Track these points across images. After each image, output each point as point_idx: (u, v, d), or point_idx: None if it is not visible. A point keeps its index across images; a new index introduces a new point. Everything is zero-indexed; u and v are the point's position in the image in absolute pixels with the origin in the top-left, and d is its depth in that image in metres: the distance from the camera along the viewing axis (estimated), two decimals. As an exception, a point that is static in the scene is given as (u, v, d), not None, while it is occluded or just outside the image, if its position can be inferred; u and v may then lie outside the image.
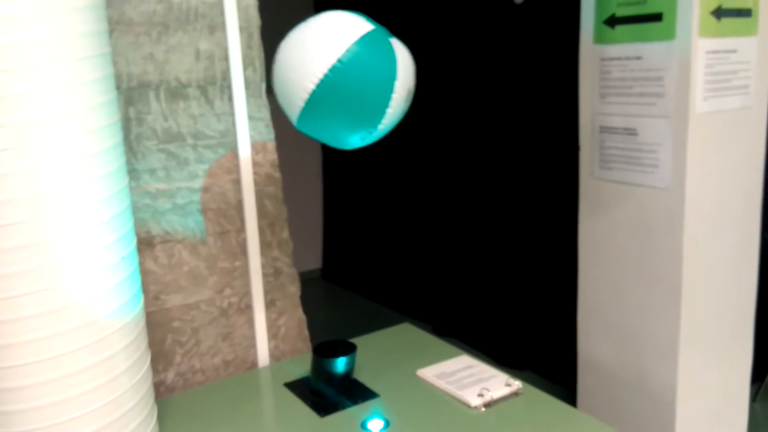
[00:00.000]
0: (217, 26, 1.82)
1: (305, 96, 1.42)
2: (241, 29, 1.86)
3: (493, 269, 3.89)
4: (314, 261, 5.49)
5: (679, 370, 2.45)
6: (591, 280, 2.72)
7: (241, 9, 1.85)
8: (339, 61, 1.38)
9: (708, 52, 2.28)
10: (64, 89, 1.20)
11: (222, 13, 1.82)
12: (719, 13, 2.28)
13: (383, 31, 1.48)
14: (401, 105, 1.49)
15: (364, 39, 1.41)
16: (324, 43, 1.40)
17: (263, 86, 1.93)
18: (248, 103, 1.90)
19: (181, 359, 1.90)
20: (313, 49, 1.40)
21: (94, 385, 1.31)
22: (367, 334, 2.12)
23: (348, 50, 1.39)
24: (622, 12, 2.42)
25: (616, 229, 2.58)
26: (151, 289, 1.83)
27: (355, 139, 1.52)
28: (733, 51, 2.37)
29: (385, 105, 1.45)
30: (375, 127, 1.48)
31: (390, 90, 1.44)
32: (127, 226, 1.40)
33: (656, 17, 2.32)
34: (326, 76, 1.39)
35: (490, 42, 3.68)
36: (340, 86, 1.41)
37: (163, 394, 1.88)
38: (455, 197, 4.08)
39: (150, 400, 1.50)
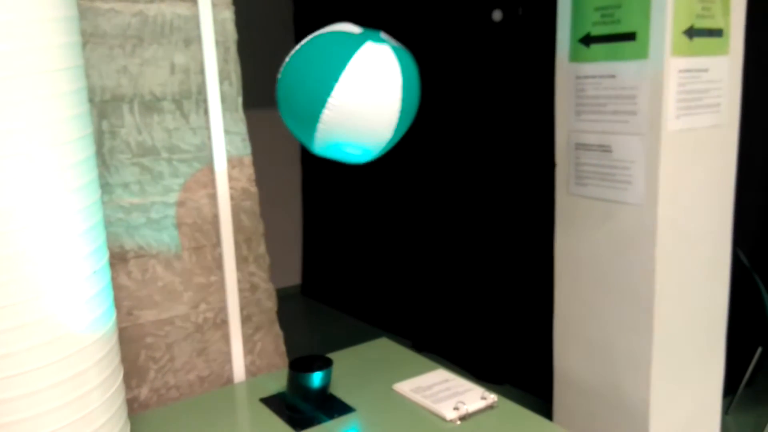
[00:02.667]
0: (192, 39, 1.82)
1: (389, 135, 1.46)
2: (218, 43, 1.86)
3: (471, 285, 3.90)
4: (294, 277, 5.46)
5: (652, 384, 2.47)
6: (566, 295, 2.74)
7: (218, 23, 1.85)
8: (402, 94, 1.41)
9: (680, 71, 2.32)
10: (36, 101, 1.19)
11: (198, 27, 1.82)
12: (691, 32, 2.33)
13: (380, 37, 1.47)
14: None
15: (401, 64, 1.42)
16: (383, 90, 1.40)
17: (239, 100, 1.93)
18: (224, 117, 1.90)
19: (155, 375, 1.88)
20: (379, 100, 1.41)
21: (64, 401, 1.29)
22: (345, 348, 2.11)
23: (402, 83, 1.42)
24: (596, 31, 2.45)
25: (591, 245, 2.60)
26: (125, 304, 1.81)
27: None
28: (705, 70, 2.41)
29: (419, 90, 1.55)
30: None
31: (418, 78, 1.53)
32: (100, 240, 1.39)
33: (630, 36, 2.35)
34: (400, 112, 1.44)
35: (468, 59, 3.71)
36: (408, 109, 1.45)
37: (136, 410, 1.86)
38: (434, 213, 4.10)
39: (122, 416, 1.48)
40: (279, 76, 1.51)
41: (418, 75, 1.52)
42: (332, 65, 1.39)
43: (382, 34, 1.47)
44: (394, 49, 1.45)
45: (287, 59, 1.50)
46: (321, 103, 1.38)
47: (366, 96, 1.39)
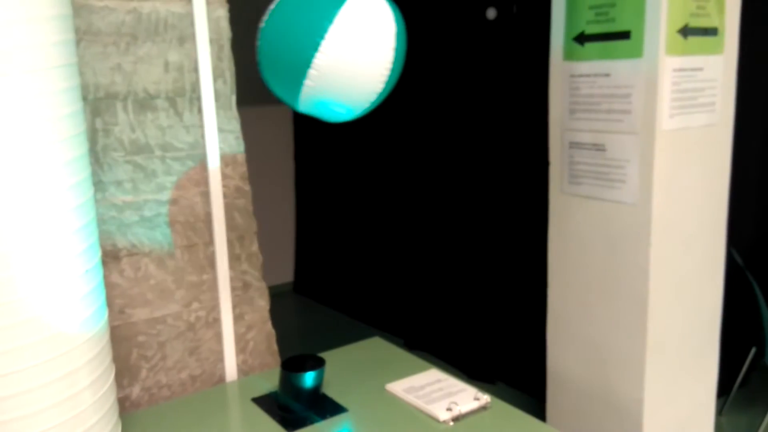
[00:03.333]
0: (187, 37, 1.81)
1: (381, 87, 1.37)
2: (212, 41, 1.85)
3: (464, 283, 3.90)
4: (286, 274, 5.46)
5: (646, 384, 2.47)
6: (560, 294, 2.74)
7: (212, 21, 1.84)
8: (396, 43, 1.33)
9: (675, 70, 2.32)
10: (29, 99, 1.18)
11: (192, 25, 1.81)
12: (686, 31, 2.33)
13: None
14: None
15: (393, 12, 1.36)
16: (379, 34, 1.32)
17: (233, 98, 1.92)
18: (218, 115, 1.89)
19: (147, 374, 1.87)
20: (375, 44, 1.32)
21: (55, 400, 1.28)
22: (338, 347, 2.11)
23: (396, 30, 1.34)
24: (591, 30, 2.45)
25: (584, 244, 2.60)
26: (117, 302, 1.80)
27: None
28: (700, 69, 2.41)
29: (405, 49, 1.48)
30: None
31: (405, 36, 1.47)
32: (92, 238, 1.38)
33: (624, 35, 2.35)
34: (393, 62, 1.35)
35: (462, 56, 3.71)
36: (399, 61, 1.36)
37: (128, 409, 1.85)
38: (427, 211, 4.09)
39: (114, 415, 1.47)
40: (261, 25, 1.39)
41: (404, 30, 1.44)
42: (324, 9, 1.29)
43: None
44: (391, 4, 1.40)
45: (271, 6, 1.39)
46: (313, 46, 1.28)
47: (360, 43, 1.29)
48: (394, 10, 1.39)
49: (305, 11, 1.30)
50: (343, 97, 1.35)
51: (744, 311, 3.18)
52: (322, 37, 1.27)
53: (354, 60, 1.29)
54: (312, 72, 1.30)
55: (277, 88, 1.41)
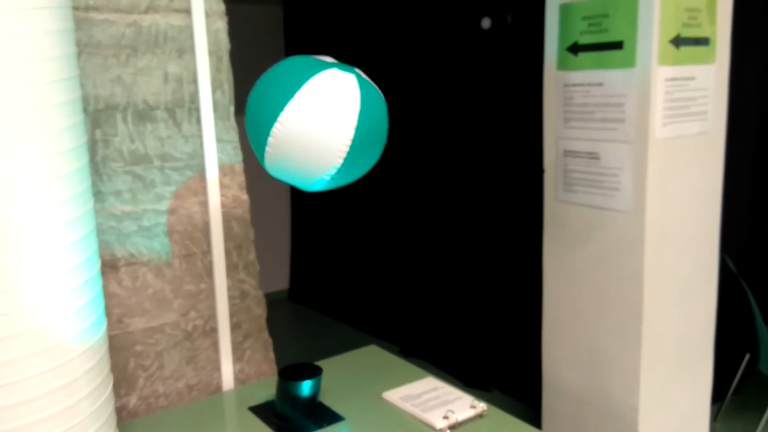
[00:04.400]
0: (186, 49, 1.83)
1: (339, 163, 1.41)
2: (210, 53, 1.87)
3: (459, 291, 3.91)
4: (281, 282, 5.46)
5: (641, 391, 2.49)
6: (555, 301, 2.76)
7: (211, 33, 1.86)
8: (358, 124, 1.38)
9: (667, 80, 2.35)
10: (31, 112, 1.19)
11: (191, 37, 1.83)
12: (678, 41, 2.35)
13: (354, 70, 1.45)
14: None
15: (362, 93, 1.40)
16: (337, 114, 1.37)
17: (231, 109, 1.94)
18: (216, 125, 1.90)
19: (144, 383, 1.88)
20: (330, 125, 1.37)
21: (55, 410, 1.29)
22: (334, 355, 2.12)
23: (360, 112, 1.38)
24: (584, 40, 2.48)
25: (579, 251, 2.62)
26: (115, 312, 1.81)
27: (370, 167, 1.56)
28: (692, 78, 2.44)
29: (386, 129, 1.49)
30: (381, 150, 1.53)
31: (386, 117, 1.48)
32: (92, 249, 1.39)
33: (617, 45, 2.38)
34: (353, 141, 1.39)
35: (457, 66, 3.73)
36: (365, 141, 1.41)
37: (125, 419, 1.86)
38: (422, 219, 4.11)
39: (111, 425, 1.48)
40: (251, 91, 1.51)
41: (385, 116, 1.49)
42: (292, 82, 1.38)
43: (357, 70, 1.47)
44: (361, 81, 1.43)
45: (263, 75, 1.50)
46: (274, 117, 1.38)
47: (317, 117, 1.36)
48: (365, 90, 1.41)
49: (277, 83, 1.41)
50: (298, 167, 1.43)
51: (738, 318, 3.20)
52: (281, 108, 1.37)
53: (308, 133, 1.37)
54: (271, 140, 1.40)
55: (254, 147, 1.51)
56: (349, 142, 1.38)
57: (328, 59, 1.49)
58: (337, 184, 1.51)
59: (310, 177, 1.44)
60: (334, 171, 1.42)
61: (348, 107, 1.38)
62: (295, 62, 1.44)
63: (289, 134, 1.38)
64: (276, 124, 1.38)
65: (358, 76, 1.44)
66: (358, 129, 1.38)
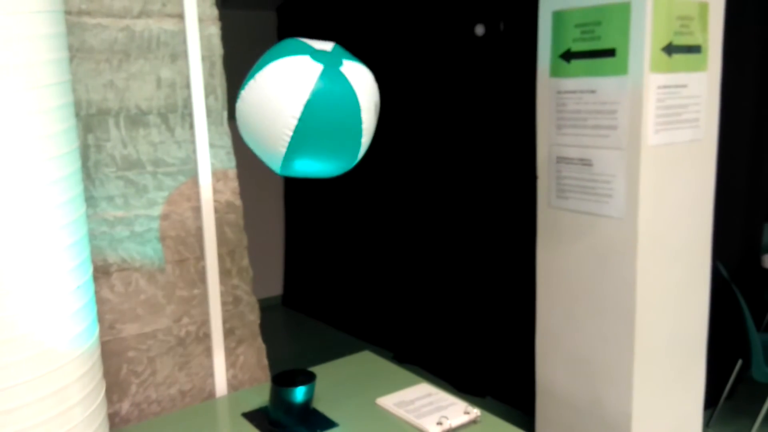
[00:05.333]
0: (179, 54, 1.82)
1: (283, 148, 1.45)
2: (204, 58, 1.86)
3: (453, 297, 3.91)
4: (275, 287, 5.45)
5: (634, 397, 2.49)
6: (548, 308, 2.76)
7: (204, 38, 1.86)
8: (300, 120, 1.41)
9: (659, 87, 2.36)
10: (23, 117, 1.19)
11: (184, 42, 1.83)
12: (670, 49, 2.37)
13: (332, 62, 1.46)
14: (373, 127, 1.51)
15: (319, 85, 1.42)
16: (281, 103, 1.42)
17: (225, 114, 1.93)
18: (209, 130, 1.90)
19: (137, 389, 1.87)
20: (273, 111, 1.42)
21: (47, 416, 1.28)
22: (327, 361, 2.11)
23: (305, 106, 1.41)
24: (577, 47, 2.49)
25: (572, 258, 2.62)
26: (107, 318, 1.80)
27: (341, 169, 1.55)
28: (684, 86, 2.45)
29: (359, 137, 1.47)
30: (355, 156, 1.51)
31: (359, 123, 1.46)
32: (84, 254, 1.38)
33: (610, 53, 2.39)
34: (293, 137, 1.42)
35: (450, 73, 3.74)
36: (313, 133, 1.43)
37: (117, 425, 1.85)
38: (415, 225, 4.11)
39: (104, 431, 1.47)
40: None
41: (354, 114, 1.48)
42: (266, 59, 1.47)
43: (344, 64, 1.48)
44: (332, 75, 1.44)
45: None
46: (246, 82, 1.48)
47: (268, 98, 1.43)
48: (333, 82, 1.44)
49: (264, 57, 1.51)
50: (256, 135, 1.49)
51: (730, 324, 3.21)
52: (252, 77, 1.47)
53: (263, 103, 1.45)
54: (239, 103, 1.50)
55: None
56: (290, 130, 1.42)
57: (322, 44, 1.50)
58: (303, 170, 1.51)
59: (267, 148, 1.48)
60: (285, 143, 1.43)
61: (298, 93, 1.41)
62: (287, 44, 1.50)
63: (245, 109, 1.48)
64: (246, 88, 1.48)
65: (331, 71, 1.44)
66: (303, 119, 1.41)
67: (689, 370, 2.70)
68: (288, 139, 1.43)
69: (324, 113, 1.42)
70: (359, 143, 1.49)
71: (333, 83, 1.43)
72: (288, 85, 1.42)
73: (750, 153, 3.43)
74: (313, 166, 1.51)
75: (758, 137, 3.45)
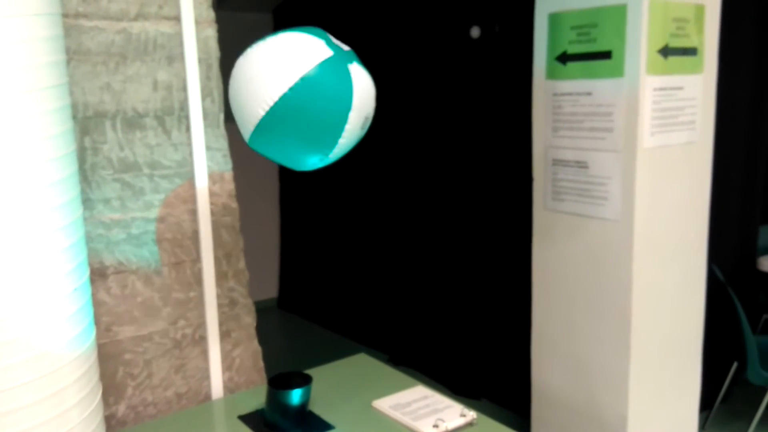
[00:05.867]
0: (175, 57, 1.82)
1: (257, 118, 1.43)
2: (200, 60, 1.86)
3: (448, 299, 3.92)
4: (271, 290, 5.44)
5: (629, 399, 2.49)
6: (544, 310, 2.76)
7: (201, 40, 1.86)
8: (291, 89, 1.39)
9: (655, 89, 2.36)
10: (21, 119, 1.19)
11: (181, 44, 1.83)
12: (666, 51, 2.37)
13: (344, 57, 1.45)
14: (356, 133, 1.49)
15: (321, 67, 1.40)
16: (280, 67, 1.40)
17: (221, 117, 1.93)
18: (206, 133, 1.90)
19: (133, 392, 1.87)
20: (268, 73, 1.41)
21: (44, 418, 1.28)
22: (323, 364, 2.11)
23: (301, 79, 1.39)
24: (573, 49, 2.49)
25: (568, 260, 2.63)
26: (103, 320, 1.80)
27: (310, 163, 1.52)
28: (680, 88, 2.46)
29: (338, 135, 1.45)
30: (327, 154, 1.48)
31: (343, 121, 1.44)
32: (81, 257, 1.38)
33: (606, 55, 2.40)
34: (276, 104, 1.39)
35: (446, 75, 3.75)
36: (295, 111, 1.41)
37: (114, 427, 1.84)
38: (411, 227, 4.11)
39: (100, 434, 1.47)
40: None
41: (341, 113, 1.46)
42: (284, 30, 1.46)
43: (354, 65, 1.46)
44: (338, 65, 1.43)
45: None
46: (250, 47, 1.50)
47: (269, 60, 1.42)
48: (321, 76, 1.42)
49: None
50: (235, 104, 1.48)
51: (725, 326, 3.22)
52: (251, 46, 1.47)
53: (250, 71, 1.44)
54: (233, 71, 1.50)
55: None
56: (263, 110, 1.40)
57: (343, 45, 1.50)
58: (271, 148, 1.49)
59: (246, 111, 1.45)
60: (264, 109, 1.41)
61: (304, 62, 1.40)
62: (310, 28, 1.50)
63: (235, 80, 1.48)
64: (253, 46, 1.48)
65: (337, 60, 1.43)
66: (281, 102, 1.39)
67: (685, 372, 2.71)
68: (263, 112, 1.41)
69: (315, 95, 1.40)
70: (336, 141, 1.46)
71: (335, 72, 1.42)
72: (291, 57, 1.40)
73: (745, 155, 3.44)
74: (281, 147, 1.48)
75: (753, 139, 3.46)
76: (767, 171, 3.68)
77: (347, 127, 1.45)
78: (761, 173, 3.55)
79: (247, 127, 1.47)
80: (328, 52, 1.42)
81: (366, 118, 1.50)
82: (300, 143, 1.46)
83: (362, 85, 1.47)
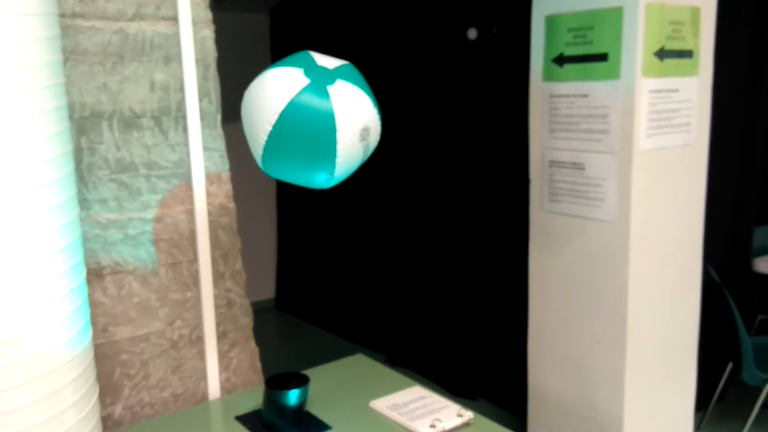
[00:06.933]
0: (172, 57, 1.82)
1: (260, 149, 1.52)
2: (197, 61, 1.86)
3: (445, 300, 3.92)
4: (268, 291, 5.44)
5: (625, 399, 2.50)
6: (540, 311, 2.77)
7: (198, 41, 1.86)
8: (276, 124, 1.48)
9: (651, 91, 2.37)
10: (18, 119, 1.19)
11: (178, 45, 1.83)
12: (662, 54, 2.38)
13: (322, 80, 1.51)
14: (354, 148, 1.53)
15: (298, 97, 1.47)
16: (264, 103, 1.49)
17: (218, 117, 1.93)
18: (203, 133, 1.90)
19: (130, 393, 1.87)
20: (259, 108, 1.50)
21: (40, 419, 1.28)
22: (320, 364, 2.11)
23: (280, 115, 1.47)
24: (569, 51, 2.50)
25: (564, 261, 2.63)
26: (100, 321, 1.80)
27: (320, 182, 1.58)
28: (675, 90, 2.47)
29: (333, 155, 1.51)
30: (332, 173, 1.55)
31: (332, 142, 1.49)
32: (77, 257, 1.38)
33: (602, 57, 2.40)
34: (270, 134, 1.48)
35: (443, 76, 3.75)
36: (287, 139, 1.49)
37: (110, 428, 1.84)
38: (408, 228, 4.12)
39: (97, 434, 1.47)
40: None
41: (326, 137, 1.52)
42: (275, 64, 1.56)
43: (337, 84, 1.52)
44: (316, 91, 1.49)
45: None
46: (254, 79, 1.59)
47: (257, 100, 1.51)
48: (309, 103, 1.49)
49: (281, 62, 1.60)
50: (248, 140, 1.57)
51: (721, 327, 3.23)
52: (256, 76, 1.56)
53: (247, 111, 1.55)
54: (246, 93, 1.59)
55: None
56: (265, 134, 1.49)
57: (334, 62, 1.56)
58: (280, 174, 1.58)
59: (252, 146, 1.56)
60: (261, 145, 1.51)
61: (282, 97, 1.48)
62: (298, 56, 1.58)
63: (247, 98, 1.57)
64: (250, 85, 1.57)
65: (315, 86, 1.49)
66: (277, 126, 1.48)
67: (680, 372, 2.71)
68: (263, 143, 1.50)
69: (297, 125, 1.48)
70: (333, 162, 1.52)
71: (313, 98, 1.48)
72: (273, 92, 1.49)
73: (740, 157, 3.45)
74: (288, 173, 1.57)
75: (748, 141, 3.47)
76: (762, 173, 3.69)
77: (339, 146, 1.50)
78: (756, 175, 3.56)
79: (258, 161, 1.58)
80: (304, 82, 1.49)
81: (364, 129, 1.53)
82: (303, 166, 1.54)
83: (346, 103, 1.51)
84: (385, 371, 2.06)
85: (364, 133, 1.54)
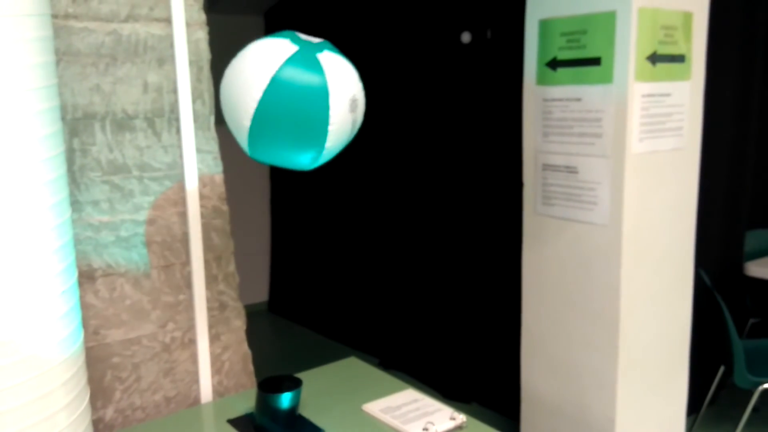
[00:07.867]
0: (166, 59, 1.82)
1: (246, 130, 1.46)
2: (191, 62, 1.86)
3: (439, 303, 3.92)
4: (261, 293, 5.43)
5: (618, 403, 2.50)
6: (533, 314, 2.77)
7: (191, 43, 1.86)
8: (265, 92, 1.42)
9: (644, 96, 2.38)
10: (9, 120, 1.18)
11: (171, 46, 1.82)
12: (654, 58, 2.39)
13: (311, 48, 1.48)
14: (345, 118, 1.50)
15: (288, 63, 1.43)
16: (250, 75, 1.44)
17: (212, 119, 1.93)
18: (196, 135, 1.90)
19: (121, 396, 1.86)
20: (242, 83, 1.45)
21: (31, 422, 1.27)
22: (313, 367, 2.11)
23: (271, 80, 1.42)
24: (563, 55, 2.51)
25: (557, 264, 2.64)
26: (91, 323, 1.79)
27: (308, 159, 1.53)
28: (668, 94, 2.48)
29: (326, 122, 1.46)
30: (322, 146, 1.50)
31: (325, 107, 1.45)
32: (69, 259, 1.37)
33: (595, 61, 2.41)
34: (256, 110, 1.43)
35: (437, 80, 3.76)
36: (276, 111, 1.44)
37: (102, 431, 1.83)
38: (402, 231, 4.12)
39: (88, 438, 1.46)
40: None
41: (319, 115, 1.49)
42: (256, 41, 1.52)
43: (325, 53, 1.49)
44: (305, 57, 1.46)
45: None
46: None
47: (241, 73, 1.47)
48: (298, 72, 1.45)
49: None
50: (229, 124, 1.52)
51: (713, 331, 3.24)
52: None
53: (230, 89, 1.50)
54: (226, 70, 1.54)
55: None
56: (252, 107, 1.44)
57: (314, 39, 1.52)
58: (268, 152, 1.52)
59: (236, 127, 1.50)
60: (248, 119, 1.45)
61: (271, 63, 1.44)
62: (281, 33, 1.54)
63: (228, 75, 1.51)
64: (229, 65, 1.53)
65: (304, 52, 1.46)
66: (263, 101, 1.43)
67: (672, 376, 2.72)
68: (250, 117, 1.44)
69: (288, 90, 1.43)
70: (325, 133, 1.48)
71: (303, 64, 1.45)
72: (260, 62, 1.44)
73: (732, 161, 3.46)
74: (275, 149, 1.51)
75: (739, 145, 3.49)
76: (753, 176, 3.71)
77: (332, 112, 1.46)
78: (747, 178, 3.57)
79: (243, 142, 1.51)
80: (293, 48, 1.45)
81: (353, 100, 1.50)
82: (293, 141, 1.48)
83: (336, 69, 1.48)
84: (378, 374, 2.05)
85: (353, 104, 1.51)
